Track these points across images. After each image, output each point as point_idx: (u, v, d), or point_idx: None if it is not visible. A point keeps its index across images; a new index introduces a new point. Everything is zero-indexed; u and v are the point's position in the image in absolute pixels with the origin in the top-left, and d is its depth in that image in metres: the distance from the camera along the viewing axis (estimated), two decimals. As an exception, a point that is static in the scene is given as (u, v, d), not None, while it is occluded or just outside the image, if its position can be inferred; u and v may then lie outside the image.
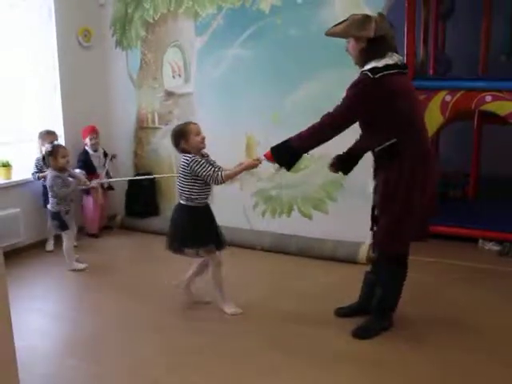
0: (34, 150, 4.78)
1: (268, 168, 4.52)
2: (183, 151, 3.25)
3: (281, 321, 3.32)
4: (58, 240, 4.69)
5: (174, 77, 5.10)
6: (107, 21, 5.32)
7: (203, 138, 3.26)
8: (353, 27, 2.85)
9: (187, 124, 3.31)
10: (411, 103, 2.88)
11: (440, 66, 5.71)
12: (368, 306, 3.20)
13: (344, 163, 3.32)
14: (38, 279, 4.15)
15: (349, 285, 3.85)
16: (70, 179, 4.19)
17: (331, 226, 4.49)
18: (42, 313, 3.54)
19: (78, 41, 5.08)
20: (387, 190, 2.92)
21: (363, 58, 2.86)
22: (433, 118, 4.75)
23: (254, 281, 3.99)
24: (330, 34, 3.03)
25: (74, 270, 4.22)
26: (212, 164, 3.30)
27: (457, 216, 5.06)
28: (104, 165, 5.05)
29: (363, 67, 2.85)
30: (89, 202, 4.99)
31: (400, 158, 2.83)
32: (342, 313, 3.36)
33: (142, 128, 5.40)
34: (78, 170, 4.52)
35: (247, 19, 4.54)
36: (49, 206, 4.23)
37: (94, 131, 5.01)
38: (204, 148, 3.30)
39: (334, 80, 4.30)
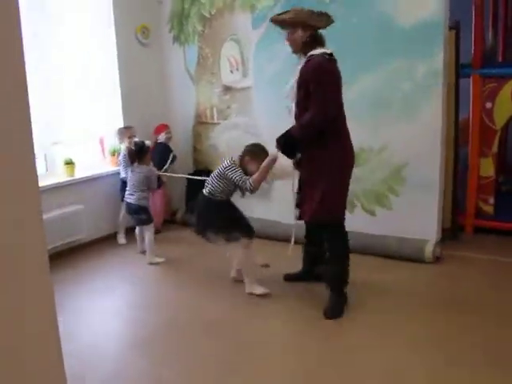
0: (95, 148, 4.89)
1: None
2: (240, 166, 3.50)
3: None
4: (127, 233, 4.88)
5: (231, 71, 5.04)
6: (165, 17, 5.34)
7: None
8: (304, 17, 3.11)
9: (266, 153, 3.48)
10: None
11: (511, 52, 5.39)
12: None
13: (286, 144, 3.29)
14: (111, 273, 4.24)
15: (415, 284, 3.72)
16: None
17: (395, 223, 4.32)
18: (110, 309, 3.59)
19: (137, 38, 5.12)
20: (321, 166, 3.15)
21: (306, 46, 3.13)
22: (504, 107, 4.48)
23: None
24: (278, 21, 3.24)
25: (153, 264, 4.31)
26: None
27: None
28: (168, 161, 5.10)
29: (306, 55, 3.12)
30: (156, 197, 5.02)
31: (341, 136, 3.19)
32: (288, 278, 3.80)
33: (201, 123, 5.38)
34: None
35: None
36: (132, 200, 4.34)
37: (167, 127, 5.18)
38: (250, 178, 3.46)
39: (397, 69, 4.14)
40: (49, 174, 4.56)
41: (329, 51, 3.14)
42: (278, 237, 4.62)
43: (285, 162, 3.42)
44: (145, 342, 3.08)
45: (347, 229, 4.40)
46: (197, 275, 4.06)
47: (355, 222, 4.46)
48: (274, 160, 3.36)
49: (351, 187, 4.47)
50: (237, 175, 3.44)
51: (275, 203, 4.82)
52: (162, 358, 2.89)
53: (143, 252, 4.41)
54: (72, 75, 4.56)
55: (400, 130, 4.20)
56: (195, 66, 5.28)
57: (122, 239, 4.89)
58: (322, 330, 3.13)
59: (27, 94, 1.24)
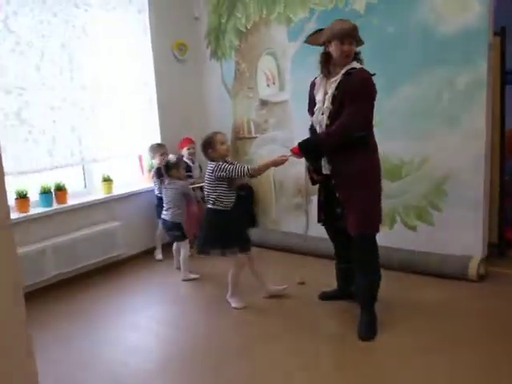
0: (133, 165, 4.93)
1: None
2: (211, 159, 3.55)
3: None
4: (164, 249, 4.89)
5: (268, 85, 5.00)
6: (201, 33, 5.36)
7: (228, 147, 3.65)
8: (356, 31, 3.15)
9: (214, 134, 3.59)
10: None
11: None
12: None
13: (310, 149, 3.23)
14: (146, 290, 4.24)
15: (459, 304, 3.54)
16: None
17: (437, 239, 4.14)
18: (141, 326, 3.57)
19: (174, 54, 5.16)
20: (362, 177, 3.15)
21: (351, 59, 3.14)
22: None
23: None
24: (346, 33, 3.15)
25: (186, 280, 4.30)
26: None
27: None
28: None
29: (343, 68, 3.11)
30: (191, 212, 4.99)
31: (368, 148, 3.16)
32: (324, 297, 3.72)
33: (239, 138, 5.36)
34: None
35: (341, 21, 4.32)
36: (167, 217, 4.39)
37: (191, 142, 5.04)
38: (228, 156, 3.62)
39: (436, 79, 3.98)
40: (87, 191, 4.63)
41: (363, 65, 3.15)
42: (317, 252, 4.52)
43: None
44: (173, 363, 3.03)
45: (388, 244, 4.30)
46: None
47: (395, 237, 4.33)
48: (284, 161, 3.38)
49: (391, 201, 4.39)
50: (228, 167, 3.46)
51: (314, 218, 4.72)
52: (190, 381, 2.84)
53: (179, 268, 4.40)
54: (110, 91, 4.61)
55: (442, 141, 4.03)
56: (232, 80, 5.27)
57: (159, 255, 4.90)
58: (353, 351, 3.01)
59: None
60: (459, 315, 3.39)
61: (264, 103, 5.05)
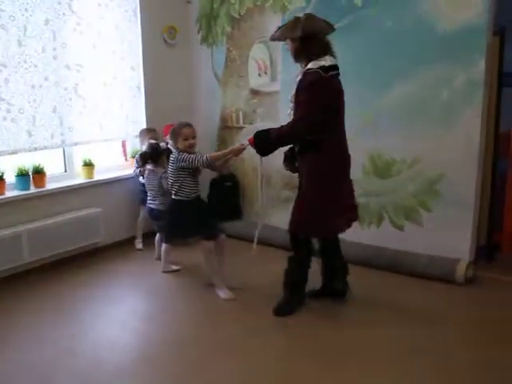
0: (117, 149, 4.76)
1: (355, 174, 4.25)
2: (176, 149, 3.58)
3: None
4: (144, 238, 4.73)
5: (259, 75, 4.86)
6: (193, 17, 5.19)
7: (191, 145, 3.57)
8: (287, 30, 3.11)
9: (181, 127, 3.58)
10: (343, 104, 3.19)
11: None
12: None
13: (292, 162, 3.35)
14: (123, 280, 4.10)
15: (444, 308, 3.46)
16: None
17: (425, 239, 4.06)
18: (116, 319, 3.42)
19: (163, 38, 4.99)
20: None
21: (301, 56, 3.11)
22: None
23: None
24: (271, 39, 3.32)
25: (168, 272, 4.16)
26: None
27: None
28: None
29: (306, 65, 3.06)
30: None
31: (321, 152, 3.11)
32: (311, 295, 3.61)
33: (226, 127, 5.21)
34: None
35: (338, 12, 4.18)
36: (154, 205, 4.30)
37: None
38: (191, 151, 3.57)
39: (433, 77, 3.88)
40: (68, 175, 4.45)
41: (327, 64, 3.04)
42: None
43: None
44: (149, 360, 2.89)
45: (374, 243, 4.21)
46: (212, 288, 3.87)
47: (382, 236, 4.25)
48: (241, 149, 3.45)
49: (379, 199, 4.29)
50: (188, 157, 3.49)
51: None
52: (165, 378, 2.72)
53: (160, 259, 4.25)
54: (95, 75, 4.43)
55: (436, 141, 3.94)
56: (222, 67, 5.11)
57: (139, 244, 4.74)
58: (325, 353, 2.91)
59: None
60: (442, 320, 3.31)
61: (255, 93, 4.91)
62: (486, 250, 4.28)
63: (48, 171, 4.20)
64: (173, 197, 3.66)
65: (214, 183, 5.15)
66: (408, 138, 4.05)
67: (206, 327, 3.27)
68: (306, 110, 3.01)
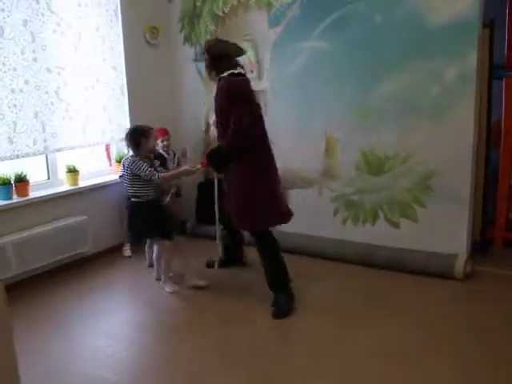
0: (101, 154, 4.60)
1: (348, 172, 4.19)
2: (140, 152, 3.67)
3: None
4: (132, 245, 4.60)
5: (245, 73, 4.74)
6: (175, 16, 5.06)
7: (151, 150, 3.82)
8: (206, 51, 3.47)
9: (150, 127, 3.76)
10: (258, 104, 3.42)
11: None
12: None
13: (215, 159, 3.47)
14: (116, 290, 3.97)
15: (442, 303, 3.42)
16: None
17: (421, 236, 4.02)
18: (112, 332, 3.27)
19: (145, 38, 4.84)
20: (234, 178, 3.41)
21: (212, 71, 3.44)
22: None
23: (338, 298, 3.60)
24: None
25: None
26: (153, 166, 3.74)
27: None
28: (177, 165, 4.73)
29: (217, 77, 3.38)
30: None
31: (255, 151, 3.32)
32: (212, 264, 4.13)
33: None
34: None
35: (326, 7, 4.13)
36: None
37: (165, 133, 4.66)
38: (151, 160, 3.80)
39: (424, 72, 3.84)
40: (51, 182, 4.27)
41: (236, 71, 3.32)
42: (299, 249, 4.35)
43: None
44: (147, 373, 2.76)
45: (369, 241, 4.15)
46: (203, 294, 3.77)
47: (377, 233, 4.18)
48: (194, 172, 3.65)
49: (372, 197, 4.23)
50: (142, 170, 3.60)
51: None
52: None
53: (152, 266, 4.12)
54: (77, 78, 4.26)
55: (428, 136, 3.90)
56: (207, 67, 4.98)
57: (127, 251, 4.60)
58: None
59: None
60: (446, 315, 3.28)
61: (241, 92, 4.79)
62: (480, 244, 4.25)
63: (31, 179, 4.02)
64: (136, 200, 3.74)
65: (201, 186, 5.03)
66: (400, 133, 4.01)
67: (206, 337, 3.15)
68: (238, 117, 3.17)
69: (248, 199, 3.34)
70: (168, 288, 3.82)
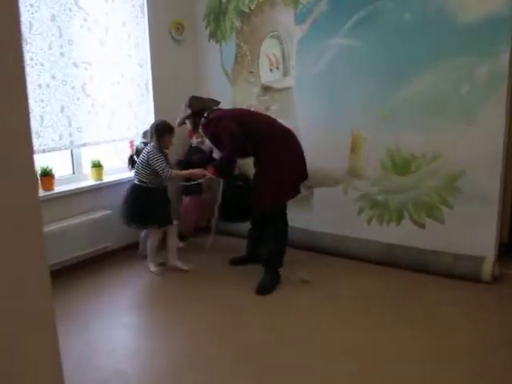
0: (123, 149, 4.62)
1: (374, 171, 4.13)
2: (160, 145, 3.89)
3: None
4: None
5: (271, 70, 4.71)
6: (201, 13, 5.04)
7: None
8: (182, 114, 3.92)
9: (169, 124, 3.95)
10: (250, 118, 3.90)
11: None
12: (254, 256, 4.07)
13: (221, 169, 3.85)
14: (134, 285, 3.97)
15: (470, 307, 3.35)
16: None
17: (447, 237, 3.94)
18: (135, 328, 3.29)
19: (171, 35, 4.83)
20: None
21: (193, 124, 3.91)
22: None
23: (359, 300, 3.55)
24: (178, 126, 4.06)
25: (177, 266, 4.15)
26: (167, 161, 3.94)
27: None
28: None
29: (199, 128, 3.90)
30: (188, 202, 4.81)
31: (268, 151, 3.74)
32: (234, 262, 4.21)
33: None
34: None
35: (354, 4, 4.06)
36: None
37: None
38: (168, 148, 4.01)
39: (453, 70, 3.75)
40: (76, 177, 4.30)
41: (205, 114, 3.83)
42: (324, 249, 4.32)
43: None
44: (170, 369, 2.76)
45: (395, 241, 4.08)
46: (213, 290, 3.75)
47: (402, 233, 4.12)
48: (202, 176, 3.93)
49: (398, 196, 4.16)
50: (159, 164, 3.81)
51: (317, 214, 4.52)
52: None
53: (145, 257, 4.24)
54: (103, 73, 4.27)
55: (457, 136, 3.82)
56: (232, 64, 4.96)
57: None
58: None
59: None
60: (474, 319, 3.21)
61: (266, 89, 4.76)
62: (508, 247, 4.15)
63: (56, 173, 4.05)
64: (136, 182, 3.94)
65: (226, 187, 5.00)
66: (427, 133, 3.93)
67: (233, 335, 3.13)
68: (226, 151, 3.71)
69: (268, 178, 3.65)
70: (152, 268, 4.07)
